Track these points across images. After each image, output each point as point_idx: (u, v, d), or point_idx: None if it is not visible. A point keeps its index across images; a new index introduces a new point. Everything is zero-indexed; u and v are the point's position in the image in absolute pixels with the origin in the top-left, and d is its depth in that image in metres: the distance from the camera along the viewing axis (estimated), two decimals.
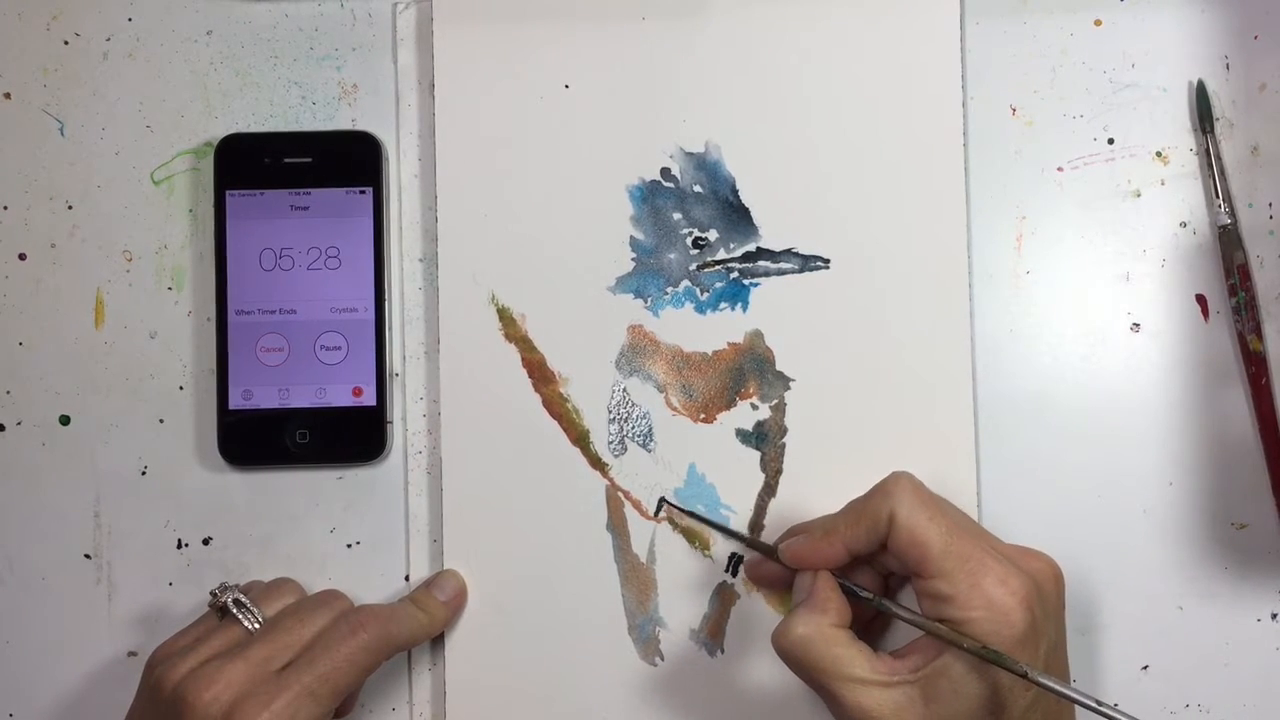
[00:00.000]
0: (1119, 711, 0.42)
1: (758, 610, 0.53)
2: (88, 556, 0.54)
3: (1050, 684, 0.43)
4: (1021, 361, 0.54)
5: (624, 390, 0.54)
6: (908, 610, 0.47)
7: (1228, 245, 0.53)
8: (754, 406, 0.53)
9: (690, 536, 0.53)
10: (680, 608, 0.53)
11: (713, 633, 0.53)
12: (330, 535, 0.54)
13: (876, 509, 0.47)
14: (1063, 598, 0.48)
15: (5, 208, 0.55)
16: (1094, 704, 0.43)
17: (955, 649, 0.45)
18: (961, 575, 0.45)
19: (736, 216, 0.54)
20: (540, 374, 0.54)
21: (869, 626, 0.51)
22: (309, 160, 0.54)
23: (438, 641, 0.53)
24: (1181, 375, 0.53)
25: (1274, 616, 0.53)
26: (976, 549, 0.46)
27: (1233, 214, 0.53)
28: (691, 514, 0.53)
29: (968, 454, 0.53)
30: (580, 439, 0.53)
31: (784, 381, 0.53)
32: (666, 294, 0.54)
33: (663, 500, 0.53)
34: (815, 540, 0.48)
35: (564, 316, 0.54)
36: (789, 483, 0.53)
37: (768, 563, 0.51)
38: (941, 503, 0.48)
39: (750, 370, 0.53)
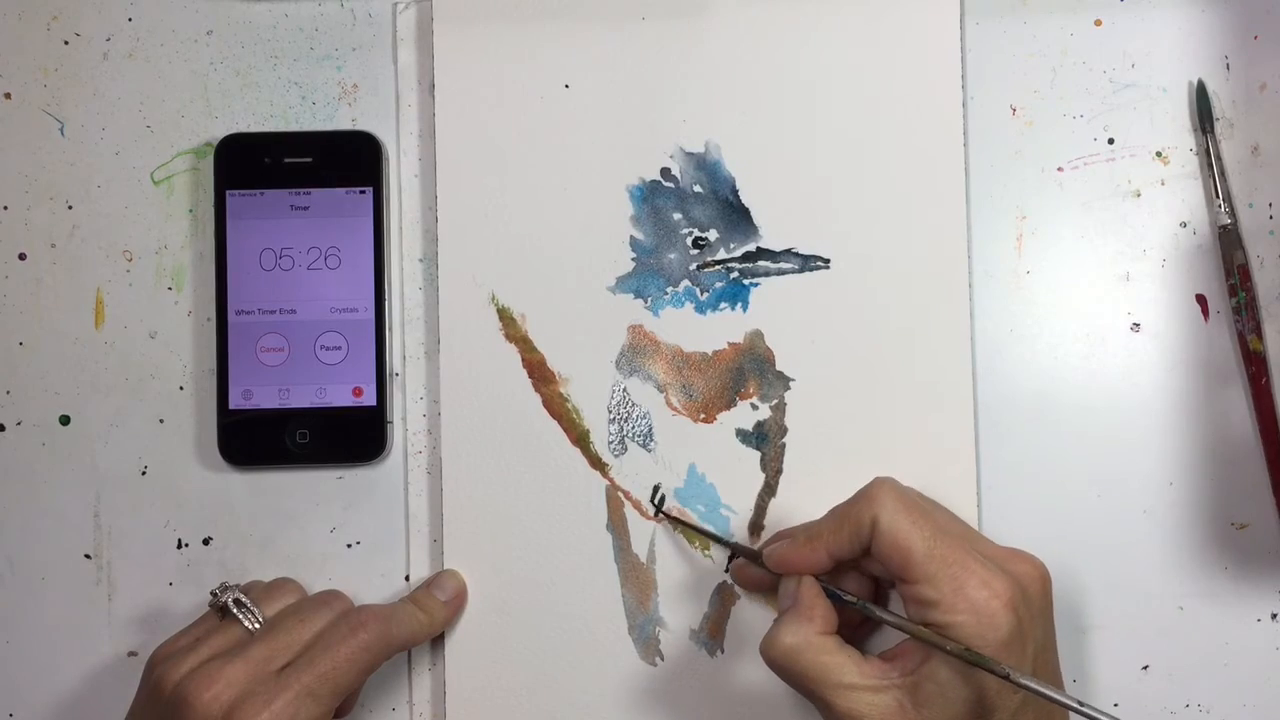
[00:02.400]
0: (1100, 711, 0.42)
1: (758, 610, 0.53)
2: (88, 556, 0.54)
3: (1032, 685, 0.43)
4: (1021, 361, 0.54)
5: (624, 390, 0.54)
6: (892, 614, 0.47)
7: (1228, 245, 0.53)
8: (754, 406, 0.53)
9: (690, 537, 0.53)
10: (680, 608, 0.53)
11: (713, 633, 0.53)
12: (330, 535, 0.54)
13: (859, 514, 0.47)
14: (1050, 599, 0.48)
15: (5, 208, 0.55)
16: (1076, 704, 0.43)
17: (940, 653, 0.45)
18: (945, 579, 0.45)
19: (736, 216, 0.54)
20: (540, 374, 0.54)
21: (857, 629, 0.51)
22: (309, 160, 0.54)
23: (438, 641, 0.53)
24: (1181, 375, 0.53)
25: (1274, 616, 0.53)
26: (960, 552, 0.46)
27: (1233, 214, 0.53)
28: (678, 520, 0.53)
29: (968, 454, 0.53)
30: (580, 439, 0.53)
31: (784, 381, 0.53)
32: (666, 294, 0.54)
33: (660, 500, 0.53)
34: (799, 545, 0.48)
35: (564, 316, 0.54)
36: (789, 483, 0.53)
37: (753, 566, 0.51)
38: (926, 506, 0.48)
39: (750, 370, 0.53)
